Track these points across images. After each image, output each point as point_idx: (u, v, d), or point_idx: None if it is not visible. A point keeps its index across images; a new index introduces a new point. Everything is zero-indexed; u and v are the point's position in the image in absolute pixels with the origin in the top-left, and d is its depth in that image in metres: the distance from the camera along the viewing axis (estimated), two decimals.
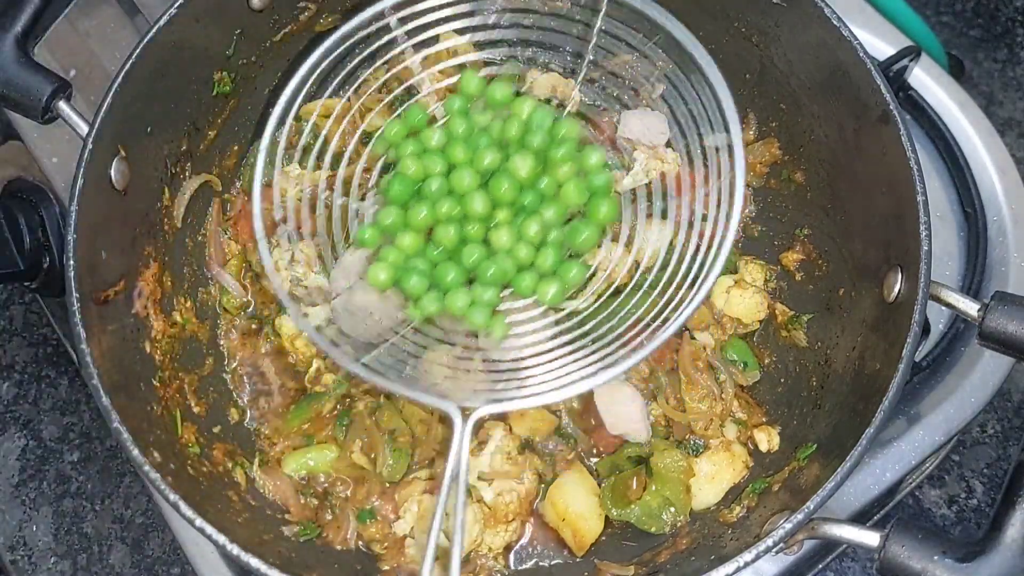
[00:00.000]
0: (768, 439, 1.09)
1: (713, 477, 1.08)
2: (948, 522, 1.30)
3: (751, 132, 1.21)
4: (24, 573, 1.29)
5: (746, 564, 0.87)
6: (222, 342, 1.17)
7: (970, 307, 0.94)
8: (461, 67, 1.12)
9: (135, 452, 0.90)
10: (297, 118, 1.24)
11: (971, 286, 1.25)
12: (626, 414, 1.07)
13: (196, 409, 1.09)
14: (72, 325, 0.93)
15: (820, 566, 1.24)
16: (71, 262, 0.94)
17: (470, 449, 1.07)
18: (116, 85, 1.00)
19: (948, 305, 0.96)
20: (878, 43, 1.36)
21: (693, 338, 1.14)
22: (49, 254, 1.28)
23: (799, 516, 0.87)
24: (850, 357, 1.04)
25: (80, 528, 1.32)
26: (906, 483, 1.24)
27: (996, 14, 1.66)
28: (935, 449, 1.19)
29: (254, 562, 0.88)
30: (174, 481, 0.91)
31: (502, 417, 1.11)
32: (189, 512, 0.89)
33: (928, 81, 1.36)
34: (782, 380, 1.14)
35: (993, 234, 1.28)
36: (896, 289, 0.97)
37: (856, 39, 1.02)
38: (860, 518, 1.17)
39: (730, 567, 0.87)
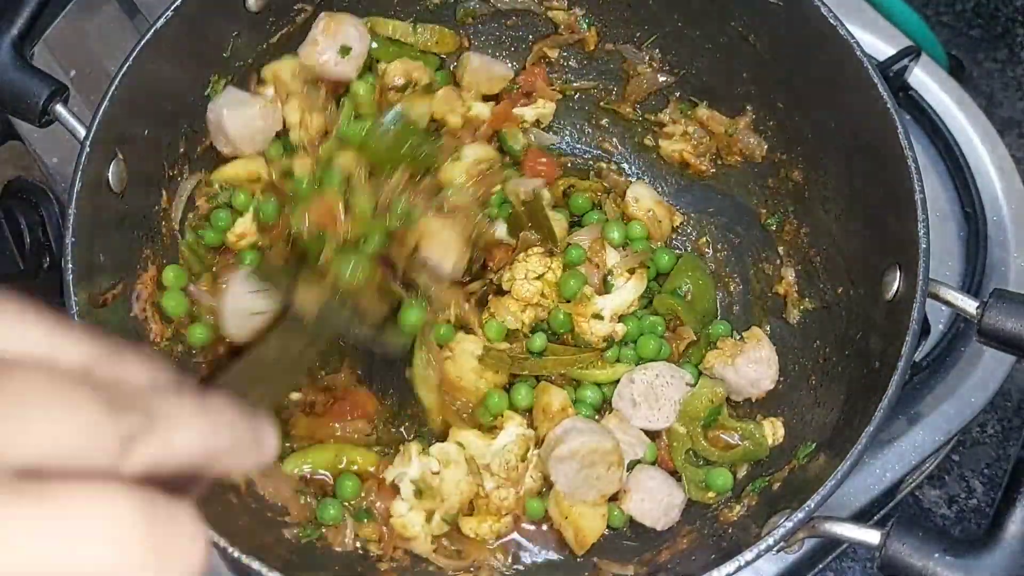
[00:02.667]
0: (773, 432, 1.09)
1: None
2: (948, 522, 1.30)
3: (747, 120, 1.21)
4: None
5: (747, 563, 0.87)
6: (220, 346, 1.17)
7: (969, 305, 0.94)
8: None
9: None
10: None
11: (971, 286, 1.25)
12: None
13: None
14: None
15: (820, 566, 1.24)
16: (69, 265, 0.94)
17: (482, 433, 1.08)
18: (113, 88, 1.00)
19: (947, 303, 0.96)
20: (878, 43, 1.36)
21: None
22: (49, 254, 1.28)
23: (799, 515, 0.87)
24: (849, 355, 1.04)
25: None
26: (906, 483, 1.24)
27: (996, 14, 1.66)
28: (935, 449, 1.19)
29: (255, 565, 0.87)
30: None
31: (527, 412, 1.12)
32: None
33: (928, 81, 1.36)
34: (782, 379, 1.14)
35: (993, 234, 1.28)
36: (895, 287, 0.97)
37: (853, 38, 1.02)
38: (860, 518, 1.17)
39: (731, 566, 0.87)
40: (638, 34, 1.25)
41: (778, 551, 0.90)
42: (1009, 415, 1.36)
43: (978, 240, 1.27)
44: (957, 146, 1.32)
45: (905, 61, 1.29)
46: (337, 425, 1.12)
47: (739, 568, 0.87)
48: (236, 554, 0.88)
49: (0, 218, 1.26)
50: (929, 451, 1.18)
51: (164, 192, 1.11)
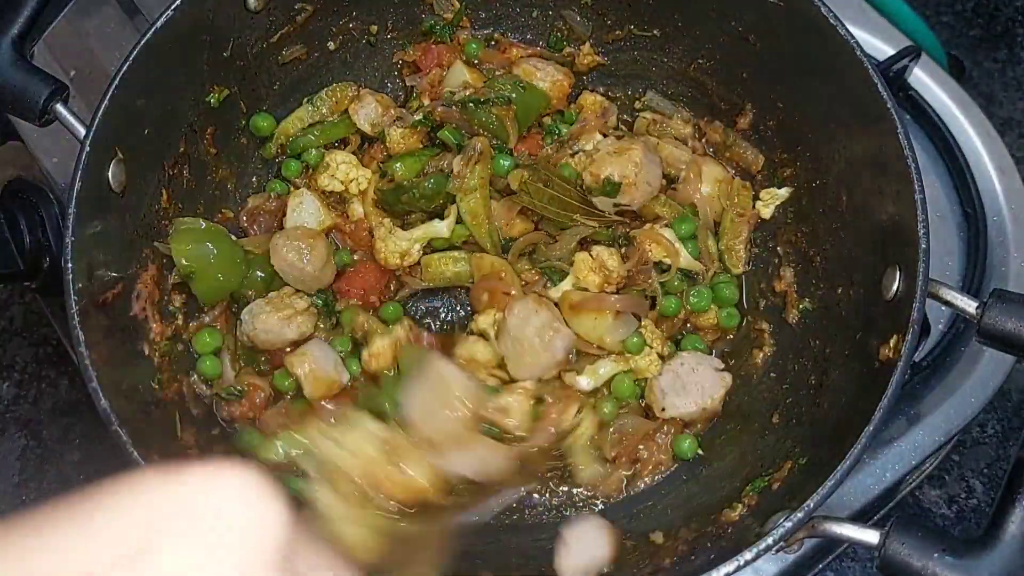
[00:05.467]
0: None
1: None
2: (948, 522, 1.30)
3: (748, 119, 1.21)
4: None
5: (746, 563, 0.87)
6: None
7: (968, 305, 0.94)
8: None
9: (135, 455, 0.90)
10: None
11: (971, 286, 1.25)
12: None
13: (195, 411, 1.09)
14: (71, 328, 0.92)
15: (820, 566, 1.24)
16: (69, 265, 0.94)
17: None
18: (113, 88, 1.00)
19: (947, 303, 0.95)
20: (878, 43, 1.36)
21: None
22: (49, 254, 1.28)
23: (799, 515, 0.87)
24: (849, 355, 1.04)
25: None
26: (906, 483, 1.24)
27: (996, 14, 1.66)
28: (935, 449, 1.19)
29: None
30: None
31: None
32: None
33: (928, 81, 1.36)
34: (782, 379, 1.14)
35: (993, 234, 1.28)
36: (894, 288, 0.97)
37: (853, 38, 1.02)
38: (860, 518, 1.17)
39: (730, 566, 0.87)
40: (636, 32, 1.25)
41: (777, 551, 0.90)
42: (1009, 415, 1.36)
43: (978, 240, 1.27)
44: (957, 146, 1.32)
45: (905, 61, 1.29)
46: None
47: (739, 568, 0.87)
48: None
49: (0, 218, 1.26)
50: (929, 451, 1.18)
51: (164, 192, 1.11)
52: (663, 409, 1.12)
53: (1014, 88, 1.60)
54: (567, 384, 1.13)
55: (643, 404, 1.15)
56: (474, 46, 1.27)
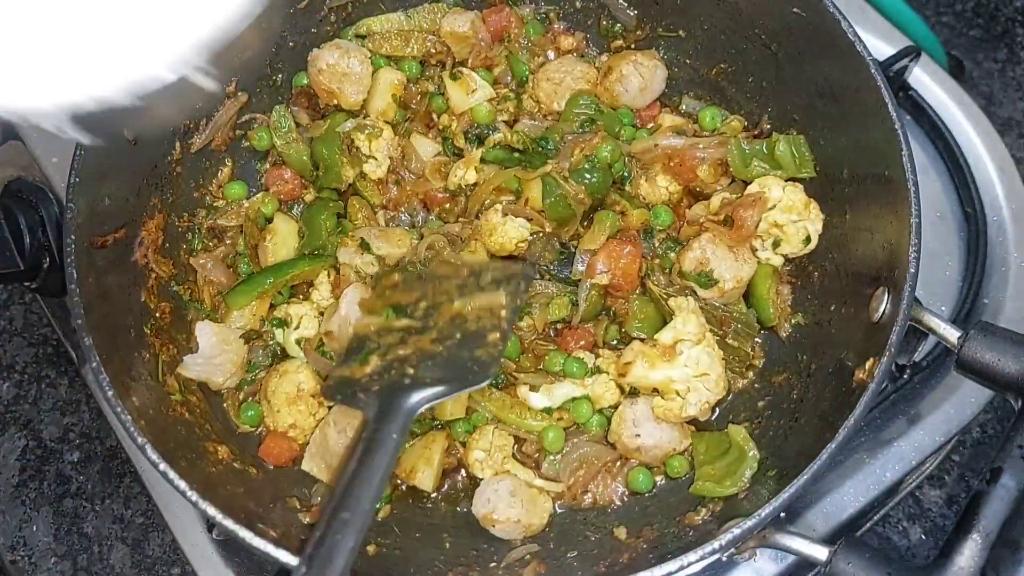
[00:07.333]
0: None
1: None
2: (948, 522, 1.30)
3: (763, 130, 1.21)
4: (24, 573, 1.29)
5: (689, 564, 0.87)
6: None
7: (951, 334, 0.94)
8: None
9: (110, 393, 0.90)
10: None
11: (971, 285, 1.25)
12: None
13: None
14: (66, 266, 0.94)
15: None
16: (71, 204, 0.96)
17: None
18: None
19: (930, 330, 0.95)
20: (878, 43, 1.36)
21: None
22: (49, 254, 1.28)
23: (749, 523, 0.88)
24: (832, 373, 1.04)
25: (80, 528, 1.32)
26: (906, 483, 1.24)
27: (996, 14, 1.66)
28: (935, 449, 1.18)
29: (211, 511, 0.88)
30: (147, 426, 0.91)
31: None
32: (154, 456, 0.89)
33: (928, 81, 1.36)
34: (766, 391, 1.14)
35: (993, 234, 1.28)
36: (881, 309, 0.97)
37: (870, 55, 1.02)
38: (859, 518, 1.17)
39: (672, 565, 0.87)
40: (663, 33, 1.26)
41: (729, 557, 0.92)
42: (1009, 415, 1.36)
43: (978, 240, 1.27)
44: (957, 146, 1.32)
45: (905, 61, 1.29)
46: None
47: (681, 568, 0.87)
48: (193, 497, 0.88)
49: (0, 218, 1.26)
50: (929, 451, 1.18)
51: (179, 144, 1.13)
52: (625, 441, 1.09)
53: (1014, 88, 1.60)
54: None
55: (607, 437, 1.12)
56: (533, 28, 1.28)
